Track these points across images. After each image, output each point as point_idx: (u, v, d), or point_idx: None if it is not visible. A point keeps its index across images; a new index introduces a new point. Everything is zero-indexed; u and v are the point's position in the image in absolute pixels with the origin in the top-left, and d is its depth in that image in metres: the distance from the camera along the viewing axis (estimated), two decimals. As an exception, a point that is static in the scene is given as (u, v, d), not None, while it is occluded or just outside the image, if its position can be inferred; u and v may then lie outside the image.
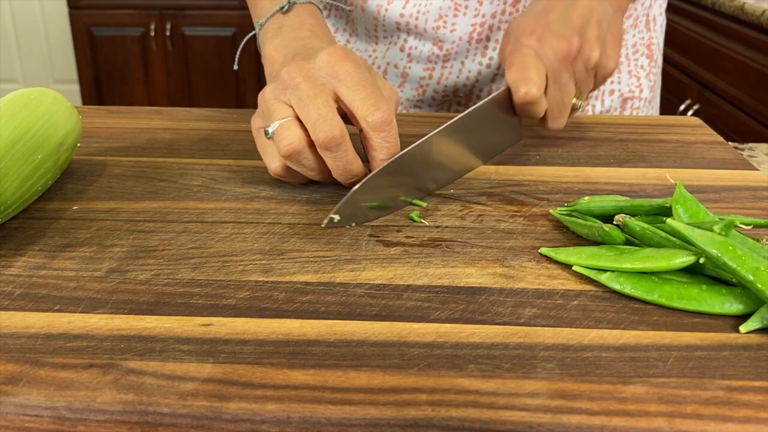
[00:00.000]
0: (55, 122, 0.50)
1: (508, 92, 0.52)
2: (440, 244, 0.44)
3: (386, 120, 0.45)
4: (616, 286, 0.38)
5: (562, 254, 0.41)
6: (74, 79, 2.79)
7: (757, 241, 0.39)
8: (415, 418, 0.30)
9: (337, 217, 0.45)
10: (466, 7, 0.68)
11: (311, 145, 0.46)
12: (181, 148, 0.58)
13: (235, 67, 0.64)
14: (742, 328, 0.35)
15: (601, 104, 0.74)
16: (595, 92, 0.75)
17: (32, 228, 0.45)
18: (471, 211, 0.48)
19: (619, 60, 0.57)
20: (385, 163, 0.46)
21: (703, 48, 1.75)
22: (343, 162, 0.45)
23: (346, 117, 0.48)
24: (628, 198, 0.46)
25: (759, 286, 0.34)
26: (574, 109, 0.56)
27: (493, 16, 0.68)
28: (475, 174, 0.54)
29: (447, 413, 0.30)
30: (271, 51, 0.53)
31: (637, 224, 0.41)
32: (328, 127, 0.44)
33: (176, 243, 0.43)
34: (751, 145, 0.64)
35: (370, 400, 0.31)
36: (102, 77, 2.64)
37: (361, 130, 0.47)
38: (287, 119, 0.46)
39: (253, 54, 2.56)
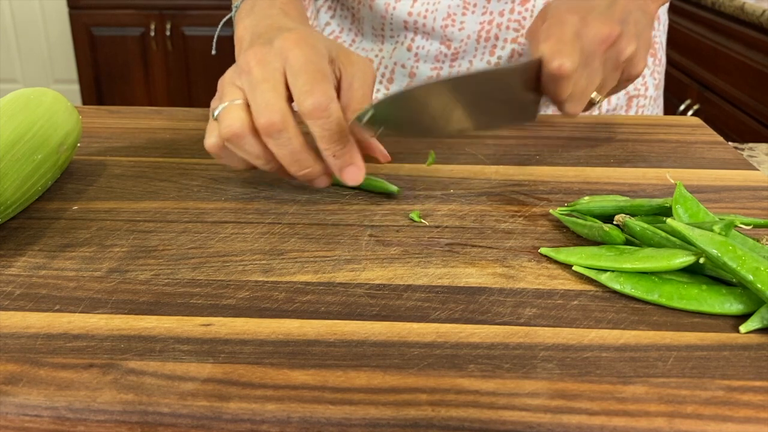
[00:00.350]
0: (55, 122, 0.50)
1: (537, 65, 0.50)
2: (440, 244, 0.44)
3: (320, 106, 0.43)
4: (616, 286, 0.38)
5: (562, 254, 0.41)
6: (74, 79, 2.79)
7: (757, 241, 0.39)
8: (415, 418, 0.30)
9: (372, 112, 0.43)
10: (475, 5, 0.68)
11: (255, 131, 0.45)
12: (181, 148, 0.58)
13: (213, 52, 0.64)
14: (742, 328, 0.35)
15: (607, 102, 0.75)
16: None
17: (32, 228, 0.45)
18: (471, 211, 0.48)
19: (646, 66, 0.56)
20: (429, 83, 0.45)
21: (703, 48, 1.75)
22: (287, 150, 0.44)
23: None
24: (628, 198, 0.46)
25: (759, 286, 0.34)
26: (591, 102, 0.55)
27: (501, 14, 0.68)
28: (475, 174, 0.54)
29: (447, 413, 0.30)
30: (241, 31, 0.53)
31: (637, 224, 0.41)
32: (269, 112, 0.43)
33: (176, 243, 0.43)
34: (751, 145, 0.64)
35: (370, 400, 0.31)
36: (102, 77, 2.64)
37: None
38: (234, 102, 0.45)
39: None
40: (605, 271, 0.39)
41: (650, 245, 0.40)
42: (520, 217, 0.47)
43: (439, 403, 0.30)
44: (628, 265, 0.38)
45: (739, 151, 0.61)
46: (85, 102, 2.66)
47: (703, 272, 0.39)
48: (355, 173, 0.46)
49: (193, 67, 2.61)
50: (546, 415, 0.30)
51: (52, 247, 0.43)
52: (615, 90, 0.57)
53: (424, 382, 0.32)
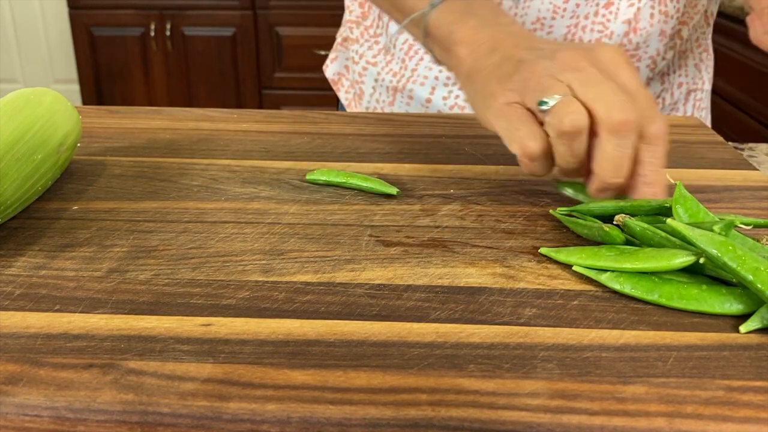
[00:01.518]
0: (55, 122, 0.50)
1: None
2: (440, 244, 0.44)
3: (665, 131, 0.42)
4: (616, 286, 0.38)
5: (562, 254, 0.41)
6: (74, 79, 2.79)
7: (757, 241, 0.39)
8: (415, 418, 0.30)
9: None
10: (564, 10, 0.68)
11: (591, 130, 0.42)
12: (181, 148, 0.58)
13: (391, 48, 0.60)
14: (742, 328, 0.35)
15: (670, 96, 0.75)
16: (665, 84, 0.75)
17: (32, 228, 0.45)
18: (471, 211, 0.48)
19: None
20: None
21: (703, 48, 1.75)
22: (625, 154, 0.41)
23: None
24: (628, 198, 0.46)
25: (759, 286, 0.34)
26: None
27: (586, 17, 0.69)
28: (475, 174, 0.54)
29: (447, 413, 0.30)
30: (469, 31, 0.49)
31: (637, 224, 0.41)
32: (626, 108, 0.40)
33: (176, 243, 0.43)
34: (751, 145, 0.64)
35: (370, 400, 0.31)
36: (102, 77, 2.64)
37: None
38: (567, 95, 0.42)
39: (253, 54, 2.56)
40: (605, 271, 0.39)
41: (650, 245, 0.40)
42: (520, 217, 0.47)
43: (439, 403, 0.30)
44: (628, 265, 0.38)
45: (739, 151, 0.61)
46: (85, 102, 2.66)
47: (703, 272, 0.39)
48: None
49: (193, 67, 2.61)
50: (546, 415, 0.30)
51: (52, 247, 0.43)
52: None
53: (424, 382, 0.32)
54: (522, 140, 0.43)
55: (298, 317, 0.36)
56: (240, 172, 0.54)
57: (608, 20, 0.69)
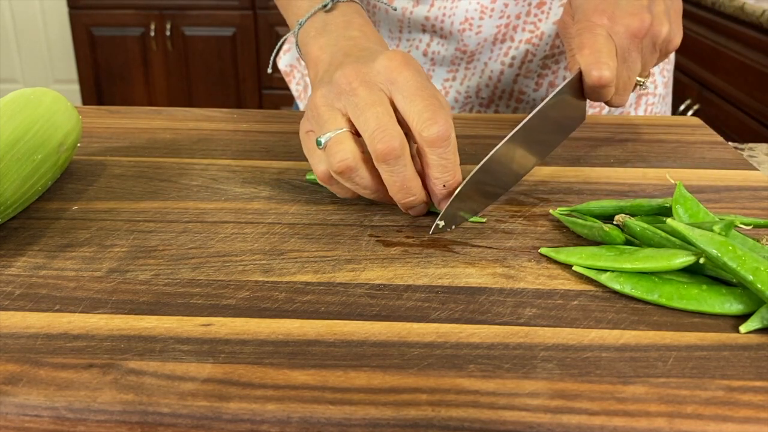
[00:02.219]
0: (55, 122, 0.50)
1: (579, 76, 0.51)
2: (440, 244, 0.44)
3: (443, 135, 0.42)
4: (616, 286, 0.38)
5: (562, 254, 0.41)
6: (74, 79, 2.79)
7: (757, 241, 0.39)
8: (415, 418, 0.30)
9: (441, 223, 0.44)
10: (492, 9, 0.68)
11: (366, 160, 0.43)
12: (181, 148, 0.58)
13: (270, 71, 0.62)
14: (742, 328, 0.35)
15: None
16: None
17: (32, 228, 0.45)
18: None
19: (682, 36, 0.56)
20: (475, 169, 0.44)
21: (703, 48, 1.75)
22: (400, 177, 0.42)
23: None
24: (628, 198, 0.46)
25: (759, 286, 0.34)
26: (636, 84, 0.55)
27: (518, 17, 0.68)
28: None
29: (447, 413, 0.30)
30: (317, 51, 0.50)
31: (637, 224, 0.41)
32: (388, 137, 0.41)
33: (176, 243, 0.43)
34: (751, 145, 0.64)
35: (370, 400, 0.31)
36: (102, 77, 2.64)
37: (415, 143, 0.44)
38: (341, 131, 0.43)
39: (253, 54, 2.56)
40: (605, 271, 0.39)
41: (650, 245, 0.40)
42: (520, 217, 0.47)
43: (439, 403, 0.30)
44: (628, 265, 0.38)
45: (739, 151, 0.61)
46: (85, 102, 2.66)
47: (703, 272, 0.39)
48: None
49: (193, 67, 2.61)
50: (546, 415, 0.30)
51: (52, 247, 0.43)
52: (656, 63, 0.57)
53: (424, 382, 0.32)
54: (315, 166, 0.45)
55: (298, 317, 0.36)
56: (240, 172, 0.54)
57: (540, 20, 0.69)
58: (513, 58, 0.70)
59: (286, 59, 0.85)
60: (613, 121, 0.65)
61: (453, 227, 0.45)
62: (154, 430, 0.29)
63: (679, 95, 1.85)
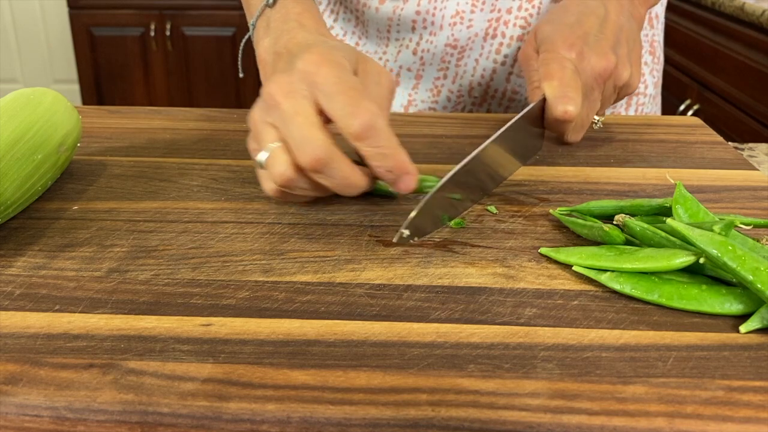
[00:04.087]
0: (55, 122, 0.50)
1: (541, 105, 0.52)
2: (440, 244, 0.44)
3: (366, 125, 0.41)
4: (616, 286, 0.38)
5: (562, 254, 0.41)
6: (74, 79, 2.80)
7: (757, 241, 0.39)
8: (415, 418, 0.30)
9: (407, 232, 0.42)
10: (483, 2, 0.68)
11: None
12: (181, 148, 0.58)
13: (241, 75, 0.63)
14: (742, 328, 0.35)
15: None
16: None
17: (32, 228, 0.45)
18: (471, 211, 0.48)
19: (640, 82, 0.58)
20: (442, 181, 0.43)
21: (703, 48, 1.75)
22: (338, 179, 0.42)
23: None
24: (628, 197, 0.46)
25: (759, 286, 0.34)
26: (592, 123, 0.57)
27: (509, 11, 0.68)
28: (475, 174, 0.54)
29: (447, 413, 0.30)
30: (263, 53, 0.52)
31: (637, 224, 0.41)
32: (311, 148, 0.41)
33: (176, 243, 0.43)
34: (751, 145, 0.64)
35: (370, 400, 0.31)
36: (102, 77, 2.64)
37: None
38: (275, 146, 0.43)
39: (253, 55, 2.56)
40: (605, 271, 0.39)
41: (650, 245, 0.40)
42: (520, 217, 0.47)
43: (439, 403, 0.30)
44: (628, 265, 0.38)
45: (739, 151, 0.61)
46: (85, 102, 2.66)
47: (703, 272, 0.39)
48: (410, 181, 0.43)
49: (193, 67, 2.61)
50: (546, 415, 0.30)
51: (52, 247, 0.43)
52: (613, 104, 0.59)
53: (424, 382, 0.32)
54: (262, 184, 0.45)
55: (298, 317, 0.36)
56: (240, 172, 0.54)
57: (531, 15, 0.69)
58: (505, 56, 0.70)
59: None
60: (613, 121, 0.65)
61: (416, 239, 0.44)
62: (154, 430, 0.29)
63: (679, 95, 1.85)
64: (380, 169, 0.42)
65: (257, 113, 0.44)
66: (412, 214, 0.41)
